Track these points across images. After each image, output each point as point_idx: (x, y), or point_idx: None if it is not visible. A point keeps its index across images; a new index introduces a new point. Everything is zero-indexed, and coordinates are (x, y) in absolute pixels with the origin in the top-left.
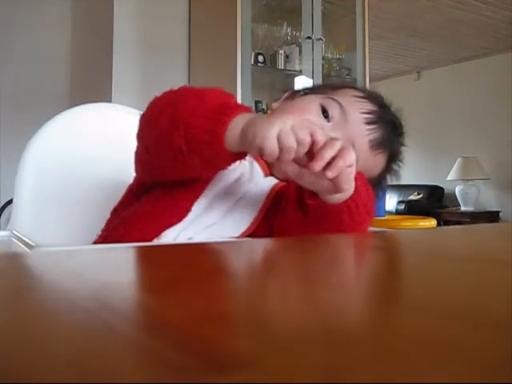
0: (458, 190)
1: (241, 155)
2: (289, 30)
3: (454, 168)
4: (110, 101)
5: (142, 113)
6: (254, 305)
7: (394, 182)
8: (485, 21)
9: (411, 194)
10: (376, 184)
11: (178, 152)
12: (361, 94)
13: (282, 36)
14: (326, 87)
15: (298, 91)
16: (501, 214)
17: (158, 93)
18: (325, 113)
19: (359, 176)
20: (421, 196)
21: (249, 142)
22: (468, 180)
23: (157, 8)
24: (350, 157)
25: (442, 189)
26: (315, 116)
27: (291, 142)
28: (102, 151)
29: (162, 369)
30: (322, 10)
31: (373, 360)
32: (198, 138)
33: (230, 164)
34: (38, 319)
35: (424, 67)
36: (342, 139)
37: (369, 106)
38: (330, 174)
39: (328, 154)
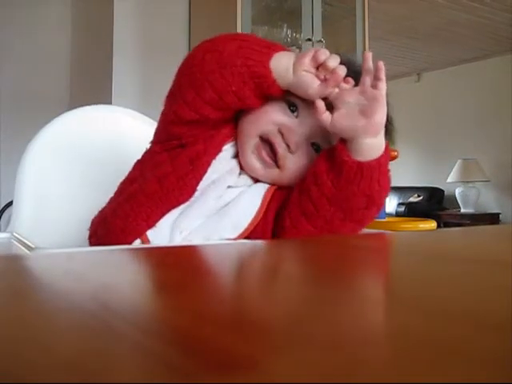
0: (458, 191)
1: (274, 84)
2: (289, 31)
3: (453, 170)
4: (110, 102)
5: (142, 115)
6: (253, 306)
7: (395, 185)
8: (484, 23)
9: (411, 196)
10: None
11: (227, 55)
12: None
13: (282, 38)
14: None
15: None
16: (501, 215)
17: (158, 94)
18: (292, 106)
19: (387, 150)
20: (421, 198)
21: (302, 54)
22: (468, 182)
23: (157, 9)
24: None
25: (442, 191)
26: (280, 114)
27: (338, 57)
28: (102, 153)
29: (162, 369)
30: (321, 11)
31: (373, 361)
32: (249, 46)
33: (260, 89)
34: (38, 320)
35: (424, 69)
36: (313, 130)
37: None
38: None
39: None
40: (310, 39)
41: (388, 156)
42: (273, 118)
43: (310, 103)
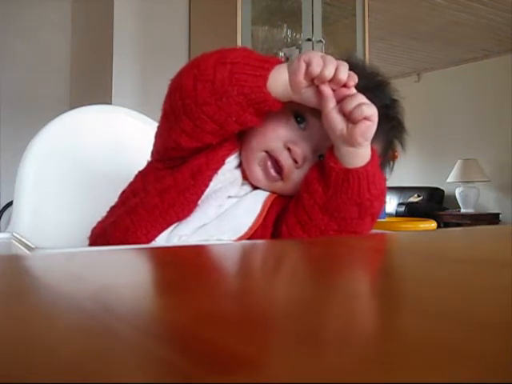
0: (458, 191)
1: (275, 103)
2: (289, 32)
3: (453, 170)
4: (110, 102)
5: (142, 115)
6: (253, 306)
7: (395, 185)
8: (485, 23)
9: (411, 195)
10: None
11: (220, 85)
12: None
13: (282, 38)
14: None
15: None
16: (501, 215)
17: (158, 94)
18: (299, 117)
19: (374, 158)
20: (421, 198)
21: (295, 64)
22: (468, 182)
23: (157, 9)
24: (371, 110)
25: (442, 191)
26: (287, 129)
27: (332, 58)
28: (102, 153)
29: (162, 369)
30: (321, 11)
31: (373, 361)
32: (241, 70)
33: (261, 111)
34: (38, 321)
35: (424, 69)
36: (321, 142)
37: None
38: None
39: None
40: (310, 39)
41: (377, 166)
42: (279, 134)
43: (318, 112)
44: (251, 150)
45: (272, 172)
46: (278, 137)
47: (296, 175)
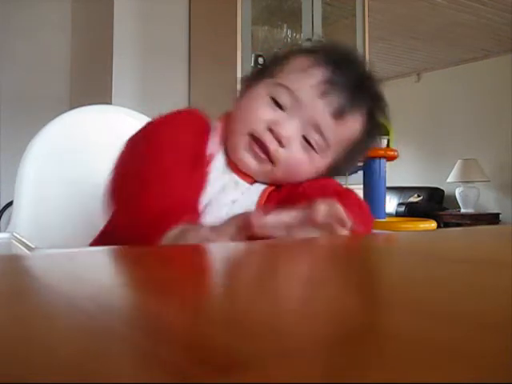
0: (458, 191)
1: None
2: (289, 32)
3: (453, 170)
4: (109, 102)
5: (142, 115)
6: (253, 306)
7: (395, 185)
8: (485, 23)
9: (411, 195)
10: (361, 149)
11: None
12: (310, 61)
13: (282, 38)
14: (274, 64)
15: (248, 79)
16: (501, 215)
17: (158, 94)
18: (276, 102)
19: (349, 197)
20: (421, 198)
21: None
22: (468, 182)
23: (157, 9)
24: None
25: (442, 191)
26: (267, 110)
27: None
28: (102, 153)
29: (161, 370)
30: (322, 11)
31: (372, 361)
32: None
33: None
34: (37, 321)
35: (424, 69)
36: (303, 123)
37: (319, 74)
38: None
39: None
40: (310, 39)
41: (357, 212)
42: (260, 115)
43: (295, 95)
44: (235, 134)
45: (260, 153)
46: (260, 118)
47: (284, 156)
